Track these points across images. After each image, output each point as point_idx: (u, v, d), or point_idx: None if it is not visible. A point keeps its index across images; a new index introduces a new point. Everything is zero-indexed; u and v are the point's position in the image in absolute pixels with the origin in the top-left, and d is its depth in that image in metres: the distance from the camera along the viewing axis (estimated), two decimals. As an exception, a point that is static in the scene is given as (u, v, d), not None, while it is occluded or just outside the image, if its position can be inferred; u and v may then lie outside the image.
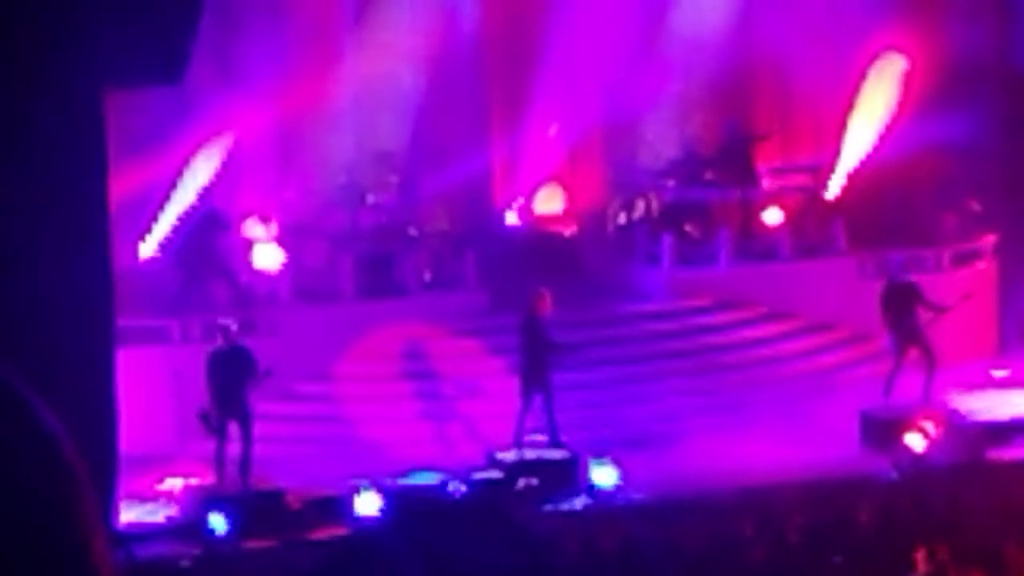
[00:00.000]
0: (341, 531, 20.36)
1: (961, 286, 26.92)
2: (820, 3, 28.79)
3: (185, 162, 25.83)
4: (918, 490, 21.60)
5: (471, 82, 28.10)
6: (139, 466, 21.47)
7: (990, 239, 28.30)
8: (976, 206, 28.31)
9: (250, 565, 20.21)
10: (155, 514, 21.75)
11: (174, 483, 22.29)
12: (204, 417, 22.05)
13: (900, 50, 28.70)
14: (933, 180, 28.25)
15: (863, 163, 28.78)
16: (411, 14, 28.05)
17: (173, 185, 25.76)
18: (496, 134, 28.15)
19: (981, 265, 28.16)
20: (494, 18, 28.00)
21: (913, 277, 25.34)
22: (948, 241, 27.86)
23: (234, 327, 22.72)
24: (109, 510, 19.54)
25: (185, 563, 20.27)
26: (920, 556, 18.69)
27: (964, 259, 27.78)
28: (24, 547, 2.07)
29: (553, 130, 27.97)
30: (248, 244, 26.43)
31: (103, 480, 19.44)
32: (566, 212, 28.10)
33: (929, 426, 23.47)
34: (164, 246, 25.87)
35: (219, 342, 22.46)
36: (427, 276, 26.82)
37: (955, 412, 24.28)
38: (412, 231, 27.42)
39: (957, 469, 22.63)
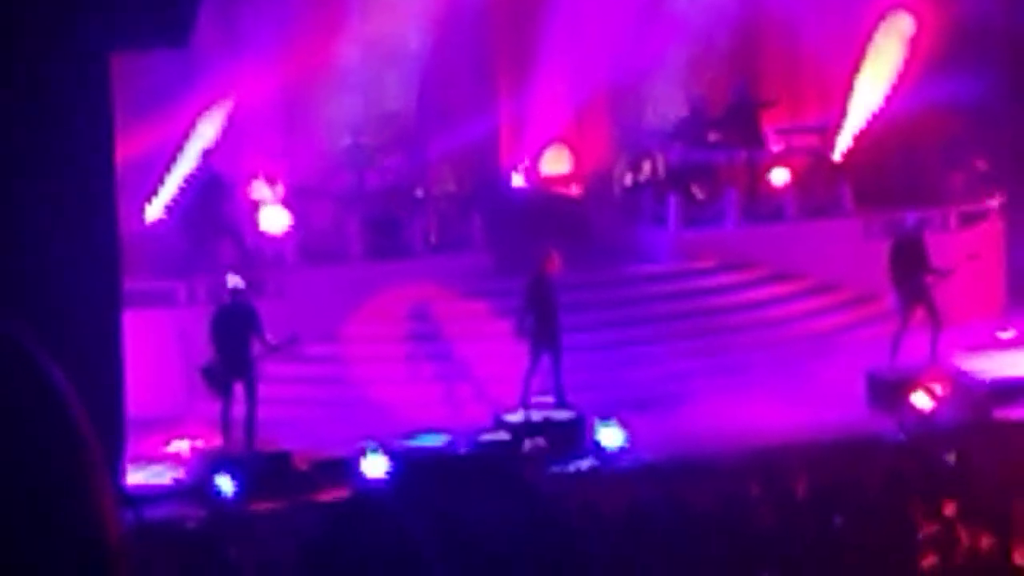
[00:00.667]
0: (347, 493, 20.11)
1: (967, 246, 27.01)
2: None
3: (191, 125, 25.99)
4: (925, 450, 21.68)
5: (477, 43, 28.17)
6: (146, 428, 21.55)
7: (997, 199, 28.34)
8: (983, 166, 28.38)
9: (257, 527, 19.94)
10: (162, 476, 21.87)
11: (181, 445, 22.45)
12: (207, 371, 22.23)
13: (907, 9, 28.75)
14: (940, 140, 28.36)
15: (870, 124, 28.85)
16: None
17: (179, 148, 25.93)
18: (503, 95, 28.28)
19: (988, 225, 28.13)
20: None
21: (919, 236, 25.28)
22: (955, 201, 27.97)
23: (241, 285, 22.87)
24: (117, 471, 19.66)
25: (192, 525, 20.23)
26: (927, 515, 18.78)
27: (971, 219, 27.81)
28: (31, 505, 2.05)
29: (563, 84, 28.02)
30: (254, 206, 26.56)
31: (111, 441, 19.49)
32: (572, 174, 28.25)
33: (936, 386, 23.53)
34: (170, 209, 26.04)
35: (224, 301, 22.69)
36: (433, 238, 26.89)
37: (961, 372, 24.30)
38: (418, 192, 27.57)
39: (964, 429, 22.72)
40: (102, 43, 19.31)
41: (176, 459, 22.20)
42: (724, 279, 26.94)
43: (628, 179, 28.43)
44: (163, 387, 23.04)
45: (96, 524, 2.11)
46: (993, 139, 28.46)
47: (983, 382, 24.17)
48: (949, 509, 18.91)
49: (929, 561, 17.82)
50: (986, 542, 18.21)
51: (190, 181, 25.95)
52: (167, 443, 22.58)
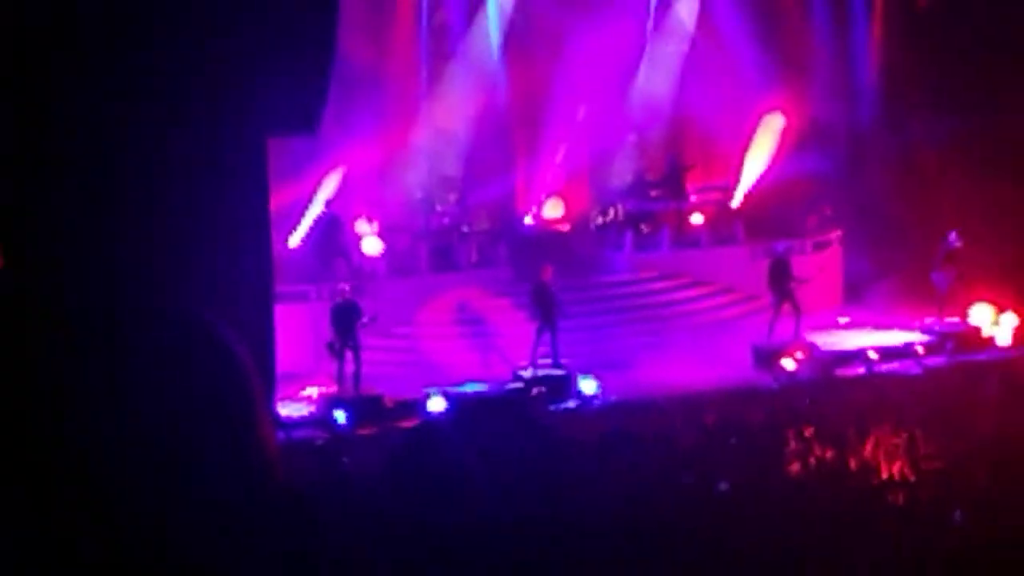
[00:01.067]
0: (417, 422, 20.24)
1: (818, 263, 27.15)
2: (727, 78, 28.57)
3: (317, 183, 26.16)
4: (790, 395, 21.94)
5: (502, 130, 28.21)
6: (289, 380, 21.65)
7: (836, 233, 28.46)
8: (828, 212, 28.62)
9: (360, 444, 20.27)
10: (300, 411, 22.12)
11: (312, 391, 22.72)
12: (330, 346, 22.46)
13: (780, 111, 28.77)
14: (801, 195, 28.51)
15: (756, 184, 28.99)
16: (463, 86, 28.03)
17: (310, 199, 26.07)
18: (519, 165, 28.44)
19: (831, 250, 28.35)
20: (517, 90, 28.11)
21: (787, 257, 25.45)
22: (810, 234, 28.03)
23: (348, 289, 23.02)
24: (271, 406, 19.93)
25: (319, 442, 20.66)
26: (792, 437, 18.90)
27: (820, 246, 27.98)
28: (226, 421, 2.15)
29: (559, 157, 28.08)
30: (358, 237, 26.62)
31: (268, 388, 19.73)
32: (564, 216, 28.34)
33: (797, 354, 23.77)
34: (304, 238, 26.21)
35: (339, 299, 22.77)
36: (474, 258, 26.95)
37: (814, 345, 24.47)
38: (464, 228, 27.72)
39: (815, 382, 22.98)
40: (262, 132, 19.41)
41: (308, 400, 22.51)
42: (661, 285, 26.96)
43: (599, 220, 28.63)
44: (301, 354, 23.18)
45: (261, 435, 2.21)
46: (835, 195, 28.80)
47: (828, 351, 24.36)
48: (807, 433, 19.11)
49: (794, 467, 17.91)
50: (830, 454, 18.36)
51: (317, 221, 26.21)
52: (303, 389, 22.79)
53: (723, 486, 16.80)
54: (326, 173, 26.12)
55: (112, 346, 2.15)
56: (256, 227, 19.20)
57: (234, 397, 2.22)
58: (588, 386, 22.73)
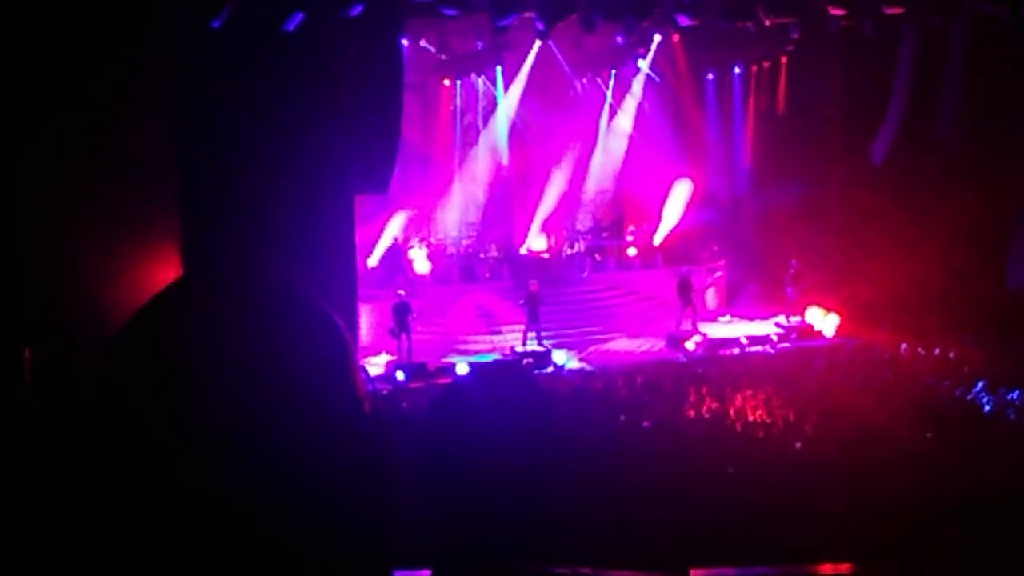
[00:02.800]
0: (450, 380, 20.31)
1: (709, 281, 27.23)
2: (652, 158, 28.40)
3: (386, 222, 25.94)
4: (690, 366, 21.83)
5: (507, 191, 28.10)
6: (365, 352, 21.97)
7: (721, 261, 28.24)
8: (716, 247, 28.41)
9: (412, 394, 19.70)
10: (374, 371, 21.77)
11: (381, 359, 22.52)
12: (391, 331, 22.30)
13: (686, 179, 28.50)
14: (699, 236, 28.20)
15: (670, 228, 28.56)
16: (482, 162, 28.00)
17: (380, 233, 25.89)
18: (516, 214, 28.17)
19: (720, 271, 28.03)
20: (516, 165, 27.98)
21: (689, 276, 25.26)
22: (705, 262, 27.75)
23: (404, 293, 22.87)
24: (360, 365, 19.99)
25: (385, 392, 20.26)
26: (691, 393, 19.10)
27: (712, 269, 27.79)
28: (331, 369, 1.99)
29: (543, 209, 28.07)
30: (412, 260, 26.50)
31: (355, 353, 19.92)
32: (546, 248, 27.81)
33: (695, 339, 23.77)
34: (378, 260, 25.97)
35: (397, 300, 22.56)
36: (487, 275, 26.73)
37: (706, 334, 24.25)
38: (481, 255, 27.41)
39: (707, 358, 22.80)
40: (352, 190, 19.56)
41: (380, 365, 22.18)
42: (607, 294, 26.59)
43: (568, 250, 28.15)
44: (373, 335, 23.14)
45: (356, 380, 2.05)
46: (721, 236, 28.42)
47: (715, 338, 24.13)
48: (702, 391, 19.18)
49: (690, 414, 18.06)
50: (715, 404, 18.47)
51: (386, 248, 26.11)
52: (376, 356, 22.57)
53: (646, 424, 17.13)
54: (391, 216, 25.87)
55: (265, 317, 1.96)
56: (347, 251, 19.52)
57: (338, 351, 2.04)
58: (560, 358, 22.72)
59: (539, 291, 23.70)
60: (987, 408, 17.64)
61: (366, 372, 2.08)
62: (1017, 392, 17.64)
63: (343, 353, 2.03)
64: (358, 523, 1.92)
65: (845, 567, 6.68)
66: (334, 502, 1.86)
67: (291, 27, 15.94)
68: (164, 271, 17.56)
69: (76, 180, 16.45)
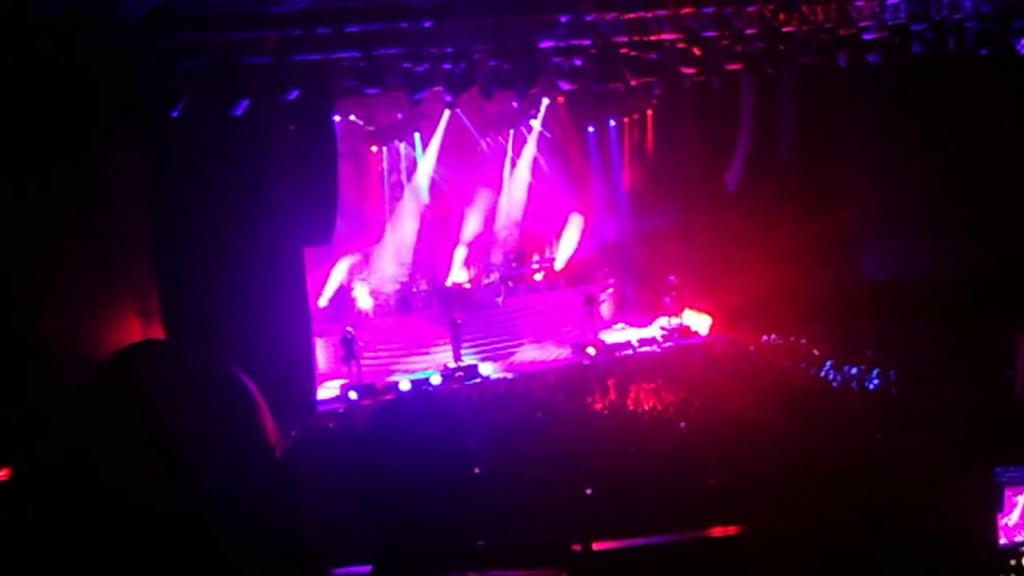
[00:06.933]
0: (394, 396, 20.04)
1: (604, 295, 27.33)
2: (549, 196, 28.40)
3: (332, 267, 25.42)
4: (593, 367, 21.69)
5: (430, 234, 27.71)
6: (320, 378, 21.49)
7: (612, 280, 27.97)
8: (607, 268, 28.23)
9: (364, 410, 19.22)
10: (330, 392, 21.40)
11: (336, 383, 22.08)
12: (343, 357, 21.98)
13: (579, 212, 28.53)
14: (592, 261, 28.17)
15: (568, 256, 28.52)
16: (408, 212, 27.48)
17: (327, 277, 25.41)
18: (440, 253, 27.76)
19: (611, 288, 27.81)
20: (437, 212, 27.62)
21: (588, 294, 25.24)
22: (598, 282, 27.61)
23: (351, 328, 22.56)
24: (311, 395, 19.55)
25: (341, 410, 20.03)
26: (596, 388, 19.14)
27: (604, 289, 27.62)
28: (242, 426, 1.84)
29: (462, 247, 27.82)
30: (356, 297, 26.18)
31: (308, 382, 19.54)
32: (467, 279, 27.61)
33: (594, 346, 23.78)
34: (327, 300, 25.42)
35: (346, 334, 22.22)
36: (420, 305, 26.47)
37: (603, 340, 24.22)
38: (414, 289, 27.06)
39: (606, 359, 22.70)
40: (297, 243, 19.41)
41: (335, 388, 21.75)
42: (519, 313, 26.44)
43: (486, 280, 27.96)
44: (328, 363, 22.83)
45: (266, 433, 1.87)
46: (611, 260, 28.27)
47: (612, 343, 24.11)
48: (611, 383, 19.19)
49: (598, 404, 18.12)
50: (615, 396, 18.55)
51: (334, 290, 25.65)
52: (330, 381, 22.12)
53: (562, 418, 17.24)
54: (336, 262, 25.49)
55: (188, 386, 1.80)
56: (300, 294, 19.41)
57: (248, 411, 1.86)
58: (486, 369, 22.67)
59: (461, 317, 23.58)
60: (835, 383, 18.06)
61: (275, 424, 1.93)
62: (856, 368, 18.07)
63: (253, 412, 1.87)
64: (278, 553, 1.82)
65: (732, 529, 6.90)
66: (252, 535, 1.76)
67: (239, 112, 15.93)
68: (134, 327, 17.24)
69: (59, 246, 16.22)
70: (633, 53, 17.43)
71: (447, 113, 25.24)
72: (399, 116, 25.97)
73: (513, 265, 28.76)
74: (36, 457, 1.69)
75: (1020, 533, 3.39)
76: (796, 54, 18.40)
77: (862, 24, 18.58)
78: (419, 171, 27.28)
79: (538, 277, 28.44)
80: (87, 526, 1.62)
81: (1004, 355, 15.56)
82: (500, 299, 26.98)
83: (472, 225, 28.06)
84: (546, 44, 16.89)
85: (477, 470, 2.59)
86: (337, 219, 20.05)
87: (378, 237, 27.15)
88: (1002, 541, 3.30)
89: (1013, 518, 3.39)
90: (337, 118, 20.90)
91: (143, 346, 1.87)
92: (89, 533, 1.62)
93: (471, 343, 23.85)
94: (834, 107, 22.60)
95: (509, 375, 22.36)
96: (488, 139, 28.37)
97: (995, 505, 3.32)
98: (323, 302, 25.00)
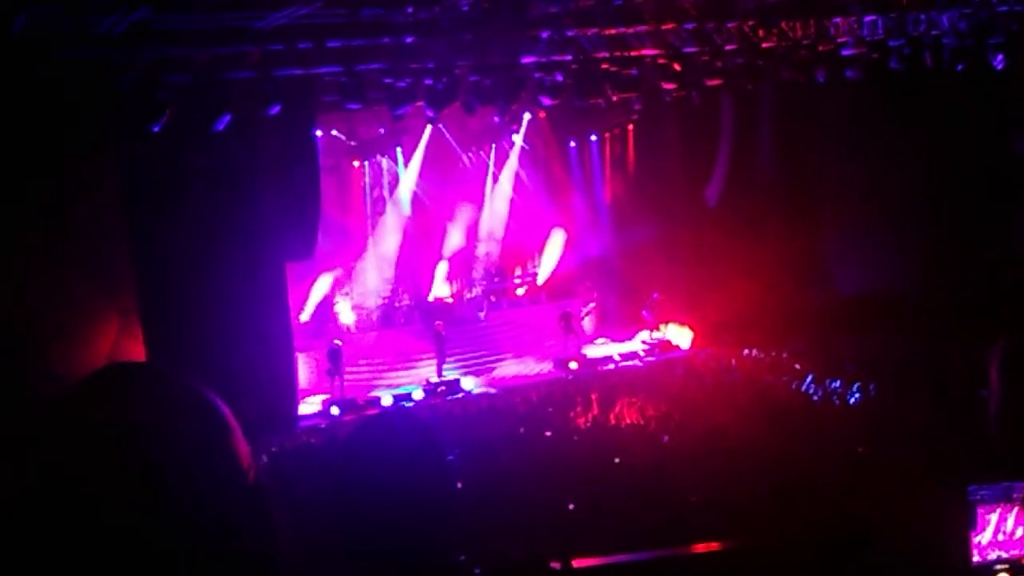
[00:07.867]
0: (378, 410, 19.82)
1: (584, 311, 27.40)
2: (531, 211, 28.30)
3: (314, 282, 25.23)
4: (576, 382, 21.80)
5: (413, 249, 27.64)
6: (303, 392, 21.50)
7: (595, 294, 28.03)
8: (588, 283, 28.19)
9: (346, 425, 18.74)
10: (313, 407, 21.33)
11: (319, 398, 22.02)
12: (328, 371, 21.95)
13: (560, 227, 28.48)
14: (574, 275, 28.10)
15: (552, 271, 28.46)
16: (391, 227, 27.45)
17: (309, 291, 25.26)
18: (423, 268, 27.68)
19: (592, 303, 27.88)
20: (419, 227, 27.57)
21: (568, 309, 25.33)
22: (580, 296, 27.59)
23: (336, 342, 22.51)
24: (293, 410, 19.46)
25: (324, 425, 19.99)
26: (579, 403, 19.15)
27: (586, 303, 27.67)
28: (215, 450, 1.79)
29: (444, 262, 27.82)
30: (338, 312, 26.09)
31: (290, 397, 19.48)
32: (450, 294, 27.53)
33: (576, 360, 23.82)
34: (310, 315, 25.25)
35: (331, 347, 22.24)
36: (403, 320, 26.36)
37: (585, 355, 24.26)
38: (396, 304, 26.95)
39: (588, 374, 22.63)
40: (280, 258, 19.32)
41: (316, 403, 21.68)
42: (502, 328, 26.39)
43: (468, 295, 27.88)
44: (310, 378, 22.82)
45: (239, 457, 1.83)
46: (592, 274, 28.31)
47: (594, 358, 24.06)
48: (593, 397, 19.21)
49: (581, 419, 18.16)
50: (598, 410, 18.61)
51: (316, 304, 25.45)
52: (314, 395, 22.08)
53: (547, 433, 17.21)
54: (318, 277, 25.35)
55: (159, 409, 1.76)
56: (282, 309, 19.31)
57: (221, 436, 1.82)
58: (469, 384, 22.62)
59: (444, 330, 23.56)
60: (816, 397, 18.10)
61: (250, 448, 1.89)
62: (839, 381, 18.12)
63: (225, 435, 1.83)
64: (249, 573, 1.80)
65: (715, 545, 6.87)
66: (222, 561, 1.74)
67: (221, 127, 15.88)
68: (118, 343, 17.13)
69: (43, 266, 16.15)
70: (614, 69, 17.50)
71: (429, 128, 25.27)
72: (381, 131, 25.97)
73: (495, 280, 28.71)
74: (2, 482, 1.66)
75: (992, 551, 3.39)
76: (775, 70, 18.53)
77: (840, 40, 18.74)
78: (401, 186, 27.26)
79: (520, 292, 28.43)
80: (53, 552, 1.60)
81: (978, 373, 15.51)
82: (482, 314, 26.97)
83: (454, 240, 28.03)
84: (528, 60, 16.96)
85: (459, 485, 2.62)
86: (319, 233, 20.06)
87: (360, 252, 27.07)
88: (975, 559, 3.31)
89: (986, 536, 3.38)
90: (319, 133, 20.91)
91: (114, 369, 1.83)
92: (56, 559, 1.60)
93: (453, 357, 23.82)
94: (813, 122, 22.82)
95: (491, 390, 22.34)
96: (470, 154, 28.38)
97: (969, 523, 3.33)
98: (305, 317, 24.91)
